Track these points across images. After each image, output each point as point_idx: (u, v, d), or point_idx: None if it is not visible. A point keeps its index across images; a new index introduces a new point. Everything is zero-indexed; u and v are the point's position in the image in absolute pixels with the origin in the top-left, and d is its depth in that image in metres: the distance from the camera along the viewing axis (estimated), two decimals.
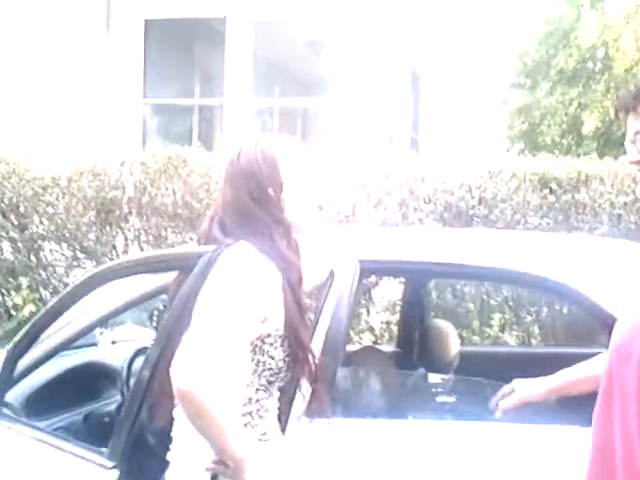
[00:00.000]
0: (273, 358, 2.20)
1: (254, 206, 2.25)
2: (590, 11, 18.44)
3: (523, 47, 19.38)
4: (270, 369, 2.20)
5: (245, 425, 2.17)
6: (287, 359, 2.22)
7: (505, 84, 17.75)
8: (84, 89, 9.47)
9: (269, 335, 2.18)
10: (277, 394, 2.30)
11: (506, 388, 2.71)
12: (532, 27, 19.63)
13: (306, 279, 2.34)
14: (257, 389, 2.21)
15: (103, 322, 3.71)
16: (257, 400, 2.22)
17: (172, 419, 2.28)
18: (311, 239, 2.44)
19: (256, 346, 2.17)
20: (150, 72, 9.83)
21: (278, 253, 2.21)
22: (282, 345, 2.20)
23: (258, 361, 2.18)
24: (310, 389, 2.39)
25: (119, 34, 9.61)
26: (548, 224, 5.71)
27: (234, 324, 2.06)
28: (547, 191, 5.88)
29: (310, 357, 2.27)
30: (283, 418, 2.41)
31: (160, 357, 2.50)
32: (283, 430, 2.40)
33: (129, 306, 3.51)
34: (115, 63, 9.56)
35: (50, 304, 3.35)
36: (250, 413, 2.20)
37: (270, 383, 2.23)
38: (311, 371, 2.29)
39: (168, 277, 3.07)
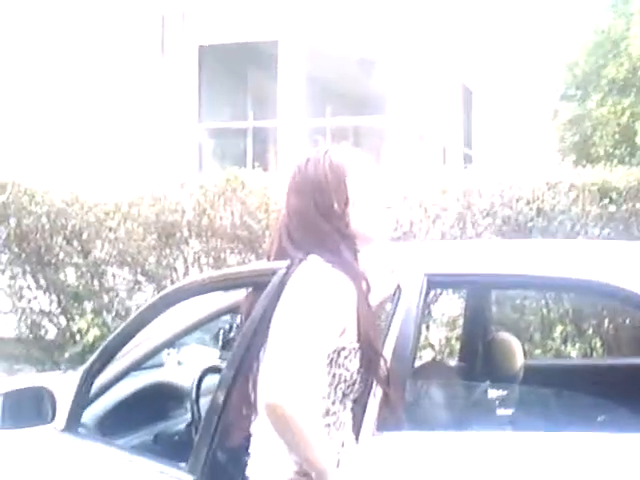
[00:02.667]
0: (348, 370, 2.22)
1: (319, 218, 2.25)
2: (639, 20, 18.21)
3: (572, 58, 19.19)
4: (345, 381, 2.23)
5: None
6: (361, 370, 2.24)
7: (555, 96, 17.60)
8: (141, 115, 9.63)
9: (344, 348, 2.21)
10: (350, 405, 2.32)
11: None
12: (581, 38, 19.44)
13: (373, 293, 2.35)
14: (333, 401, 2.23)
15: (171, 343, 3.78)
16: (334, 412, 2.24)
17: (249, 435, 2.31)
18: (377, 253, 2.46)
19: (332, 359, 2.19)
20: (205, 96, 9.97)
21: (347, 265, 2.22)
22: (356, 357, 2.23)
23: (334, 374, 2.21)
24: (383, 397, 2.41)
25: (174, 60, 9.77)
26: (609, 234, 5.67)
27: (315, 338, 2.09)
28: (607, 201, 5.83)
29: (383, 365, 2.29)
30: (356, 429, 2.44)
31: (236, 376, 2.53)
32: (356, 441, 2.42)
33: (196, 327, 3.58)
34: (170, 88, 9.71)
35: (123, 325, 3.42)
36: (328, 425, 2.22)
37: (345, 395, 2.25)
38: (385, 378, 2.31)
39: (230, 297, 3.13)
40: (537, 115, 14.45)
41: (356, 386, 2.26)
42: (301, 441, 2.05)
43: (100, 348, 3.38)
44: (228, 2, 9.61)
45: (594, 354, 5.85)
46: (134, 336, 3.29)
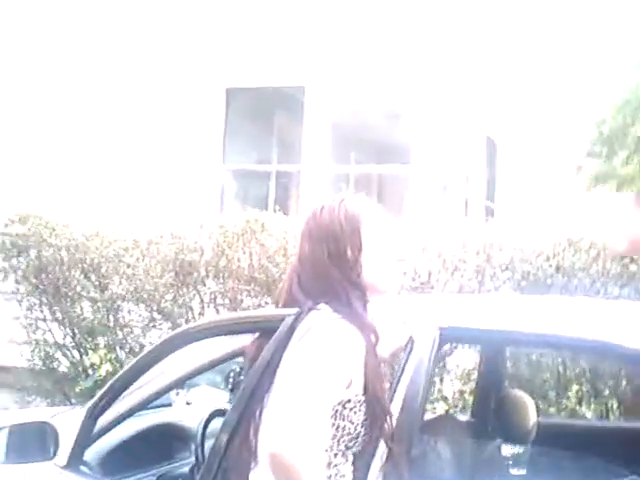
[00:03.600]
0: (352, 423, 2.19)
1: (330, 266, 2.25)
2: None
3: (600, 116, 19.22)
4: (349, 434, 2.20)
5: None
6: (365, 423, 2.21)
7: (580, 152, 17.59)
8: (166, 153, 9.71)
9: (350, 400, 2.18)
10: (352, 459, 2.29)
11: None
12: (609, 95, 19.47)
13: (385, 344, 2.33)
14: (335, 454, 2.21)
15: (180, 384, 3.75)
16: (335, 465, 2.21)
17: None
18: (391, 304, 2.44)
19: (337, 411, 2.17)
20: (230, 138, 10.05)
21: (356, 316, 2.20)
22: (361, 410, 2.20)
23: (338, 426, 2.18)
24: (387, 452, 2.37)
25: (201, 100, 9.86)
26: (629, 294, 5.60)
27: (321, 390, 2.07)
28: (627, 260, 5.77)
29: (389, 419, 2.26)
30: None
31: (239, 420, 2.50)
32: None
33: (205, 369, 3.55)
34: (197, 128, 9.79)
35: (130, 363, 3.40)
36: (329, 477, 2.19)
37: (348, 448, 2.23)
38: (390, 433, 2.27)
39: (243, 340, 3.11)
40: (561, 171, 14.43)
41: (359, 439, 2.23)
42: None
43: (106, 386, 3.36)
44: (256, 46, 9.71)
45: (610, 416, 5.76)
46: (142, 375, 3.27)
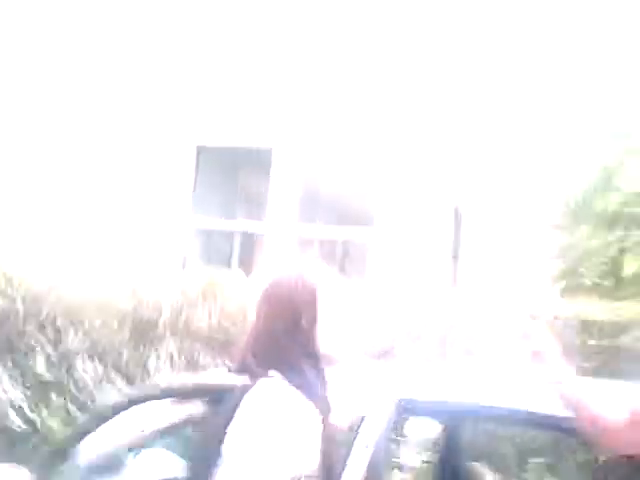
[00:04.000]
0: None
1: (285, 336, 2.24)
2: (633, 158, 18.52)
3: (565, 188, 19.47)
4: None
5: None
6: None
7: (546, 225, 17.76)
8: (131, 206, 9.63)
9: (302, 476, 2.10)
10: None
11: None
12: (574, 168, 19.74)
13: (342, 414, 2.27)
14: None
15: (133, 446, 3.62)
16: None
17: None
18: (348, 373, 2.39)
19: None
20: (198, 195, 10.02)
21: (308, 386, 2.15)
22: None
23: None
24: None
25: (171, 157, 9.85)
26: (590, 368, 5.57)
27: (269, 466, 1.99)
28: (586, 335, 5.78)
29: None
30: None
31: None
32: None
33: (158, 433, 3.44)
34: (165, 183, 9.76)
35: (79, 423, 3.29)
36: None
37: None
38: None
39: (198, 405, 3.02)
40: (526, 242, 14.53)
41: None
42: None
43: (52, 449, 3.24)
44: (227, 105, 9.74)
45: None
46: (88, 435, 3.15)
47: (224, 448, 2.11)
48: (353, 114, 9.43)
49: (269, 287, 2.34)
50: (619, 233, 18.34)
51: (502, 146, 11.79)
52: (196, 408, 3.15)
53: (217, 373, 2.58)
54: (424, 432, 5.66)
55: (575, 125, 17.04)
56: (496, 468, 5.28)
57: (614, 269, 18.79)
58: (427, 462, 5.77)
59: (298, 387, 2.14)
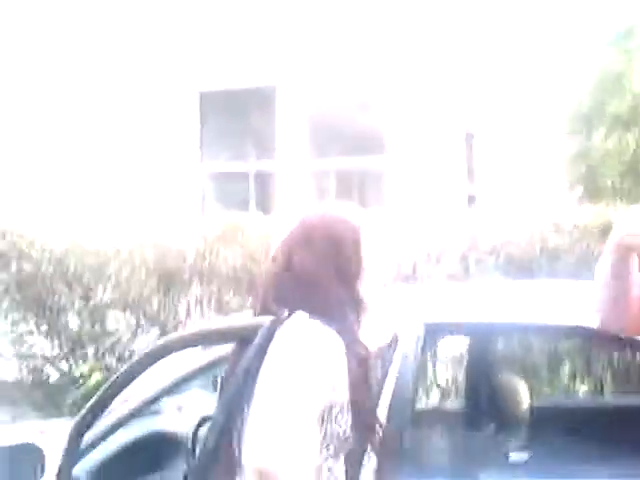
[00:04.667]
0: (340, 426, 2.16)
1: (336, 281, 2.20)
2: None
3: (576, 94, 19.29)
4: (338, 437, 2.17)
5: None
6: (354, 425, 2.18)
7: (560, 132, 17.65)
8: (143, 159, 9.63)
9: (335, 404, 2.15)
10: (342, 459, 2.24)
11: None
12: (583, 75, 19.53)
13: (370, 341, 2.30)
14: (326, 458, 2.17)
15: (168, 392, 3.70)
16: (328, 469, 2.17)
17: None
18: (374, 301, 2.41)
19: (323, 416, 2.14)
20: (206, 141, 10.00)
21: (347, 330, 2.17)
22: (348, 412, 2.17)
23: (326, 430, 2.15)
24: (377, 458, 2.34)
25: (175, 106, 9.81)
26: None
27: (303, 397, 2.04)
28: None
29: (376, 425, 2.24)
30: None
31: (222, 429, 2.47)
32: None
33: (192, 376, 3.52)
34: (172, 134, 9.74)
35: (116, 375, 3.36)
36: None
37: (338, 450, 2.19)
38: (376, 439, 2.25)
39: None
40: (541, 151, 14.44)
41: (349, 441, 2.20)
42: None
43: (93, 399, 3.31)
44: (226, 49, 9.65)
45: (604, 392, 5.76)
46: (126, 386, 3.22)
47: (257, 385, 2.15)
48: (360, 40, 9.32)
49: (310, 229, 2.24)
50: (635, 133, 18.22)
51: (508, 60, 11.66)
52: (227, 350, 3.23)
53: (244, 317, 2.61)
54: (454, 350, 5.74)
55: (578, 30, 16.78)
56: (527, 377, 5.35)
57: (633, 169, 18.73)
58: (459, 379, 5.87)
59: (334, 328, 2.15)
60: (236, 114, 10.23)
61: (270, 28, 9.46)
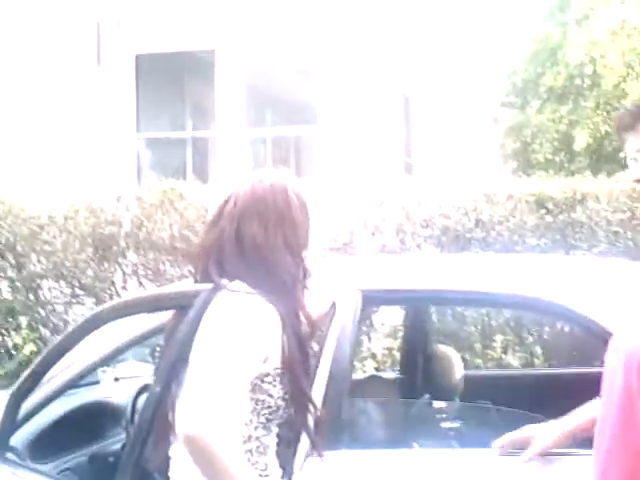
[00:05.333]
0: (272, 396, 2.19)
1: (286, 252, 2.21)
2: (576, 29, 18.53)
3: (511, 67, 19.48)
4: (269, 407, 2.20)
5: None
6: (286, 397, 2.21)
7: (495, 104, 17.83)
8: (77, 125, 9.50)
9: (268, 374, 2.17)
10: (276, 430, 2.28)
11: (516, 435, 2.55)
12: (519, 47, 19.72)
13: (311, 310, 2.33)
14: (256, 427, 2.20)
15: (105, 361, 3.69)
16: (257, 437, 2.21)
17: (168, 458, 2.27)
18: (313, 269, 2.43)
19: (255, 385, 2.16)
20: (142, 106, 9.88)
21: (290, 302, 2.19)
22: (281, 383, 2.19)
23: (257, 400, 2.18)
24: (311, 430, 2.36)
25: (111, 69, 9.67)
26: (546, 244, 5.72)
27: (235, 366, 2.06)
28: (544, 211, 5.89)
29: (308, 398, 2.26)
30: (290, 455, 2.41)
31: (158, 397, 2.49)
32: (290, 466, 2.39)
33: (130, 345, 3.51)
34: (107, 98, 9.60)
35: (52, 345, 3.34)
36: (250, 450, 2.19)
37: (269, 420, 2.22)
38: (308, 407, 2.27)
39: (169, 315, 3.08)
40: (477, 123, 14.60)
41: (280, 411, 2.23)
42: (222, 473, 2.00)
43: (29, 368, 3.29)
44: (165, 11, 9.54)
45: (535, 363, 5.90)
46: (63, 356, 3.20)
47: (191, 353, 2.16)
48: (295, 5, 9.29)
49: (260, 200, 2.24)
50: (569, 107, 18.48)
51: (447, 28, 11.72)
52: (163, 319, 3.23)
53: (181, 284, 2.61)
54: (389, 321, 5.82)
55: (514, 3, 16.93)
56: (461, 348, 5.45)
57: (566, 143, 19.01)
58: (394, 349, 5.96)
59: (273, 298, 2.16)
60: (173, 79, 10.13)
61: None
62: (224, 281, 2.19)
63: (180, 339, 2.33)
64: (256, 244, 2.21)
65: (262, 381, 2.16)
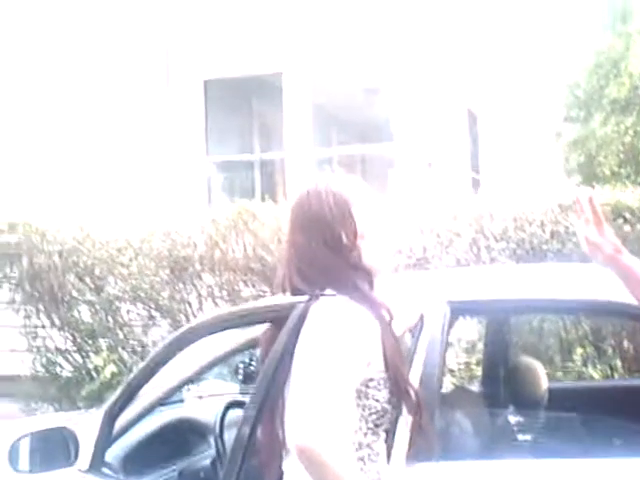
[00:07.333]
0: (378, 401, 2.18)
1: (330, 253, 2.21)
2: (639, 39, 18.29)
3: (573, 79, 19.28)
4: (377, 412, 2.19)
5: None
6: (392, 400, 2.22)
7: (558, 118, 17.67)
8: (148, 151, 9.67)
9: (372, 379, 2.18)
10: (384, 436, 2.27)
11: None
12: (581, 59, 19.53)
13: (397, 322, 2.33)
14: (365, 433, 2.19)
15: (194, 378, 3.75)
16: (367, 445, 2.20)
17: (282, 473, 2.28)
18: (398, 282, 2.44)
19: (361, 391, 2.16)
20: (211, 130, 10.02)
21: (365, 298, 2.20)
22: (385, 387, 2.20)
23: (364, 406, 2.18)
24: (415, 428, 2.37)
25: (180, 94, 9.83)
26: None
27: (340, 374, 2.06)
28: (621, 221, 5.80)
29: (413, 393, 2.26)
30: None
31: (259, 413, 2.51)
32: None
33: (216, 362, 3.56)
34: (177, 123, 9.76)
35: (143, 363, 3.40)
36: (362, 459, 2.18)
37: (377, 426, 2.21)
38: (416, 407, 2.28)
39: (248, 333, 3.12)
40: (541, 137, 14.49)
41: (387, 416, 2.23)
42: None
43: (121, 386, 3.36)
44: (231, 35, 9.67)
45: (615, 375, 5.81)
46: (155, 374, 3.27)
47: (293, 364, 2.17)
48: (360, 26, 9.33)
49: (299, 208, 2.27)
50: (633, 118, 18.20)
51: (510, 43, 11.68)
52: (244, 338, 3.27)
53: (276, 298, 2.63)
54: (470, 333, 5.78)
55: (576, 14, 16.77)
56: (542, 360, 5.38)
57: (632, 155, 18.72)
58: (471, 363, 5.92)
59: (356, 299, 2.18)
60: (241, 102, 10.25)
61: (276, 14, 9.46)
62: (316, 291, 2.22)
63: (278, 353, 2.36)
64: (303, 251, 2.24)
65: (367, 386, 2.17)
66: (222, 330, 3.10)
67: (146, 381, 3.29)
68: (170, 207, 8.32)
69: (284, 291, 2.37)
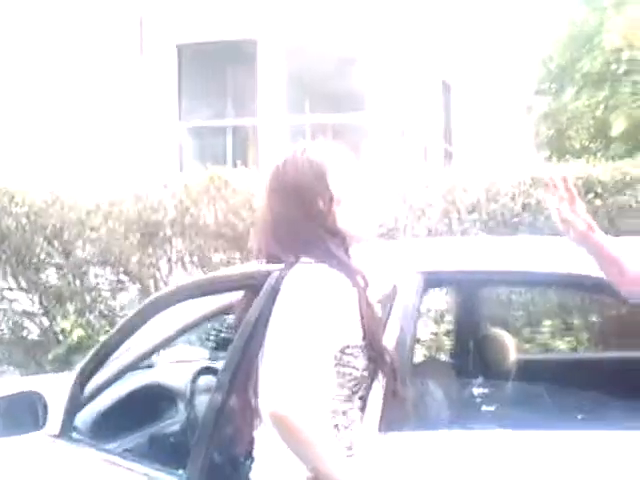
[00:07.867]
0: (354, 367, 2.18)
1: (306, 219, 2.20)
2: (613, 14, 18.30)
3: (547, 53, 19.29)
4: (353, 379, 2.20)
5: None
6: (368, 367, 2.21)
7: (530, 91, 17.70)
8: (120, 114, 9.57)
9: (348, 346, 2.17)
10: (359, 403, 2.26)
11: None
12: (555, 32, 19.52)
13: (371, 291, 2.32)
14: (340, 401, 2.19)
15: (165, 344, 3.74)
16: (343, 412, 2.20)
17: (253, 440, 2.28)
18: (370, 251, 2.43)
19: (337, 358, 2.15)
20: (184, 95, 9.93)
21: (341, 264, 2.19)
22: (362, 353, 2.19)
23: (340, 373, 2.17)
24: (391, 395, 2.37)
25: (153, 59, 9.72)
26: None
27: (316, 341, 2.05)
28: (592, 195, 5.84)
29: (389, 358, 2.26)
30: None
31: (234, 378, 2.50)
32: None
33: (189, 328, 3.55)
34: (150, 87, 9.66)
35: (115, 329, 3.38)
36: (336, 426, 2.18)
37: (353, 393, 2.22)
38: (391, 372, 2.28)
39: (223, 298, 3.10)
40: (514, 110, 14.51)
41: (364, 383, 2.23)
42: (312, 451, 2.02)
43: (92, 351, 3.34)
44: (206, 1, 9.57)
45: (581, 348, 5.88)
46: (126, 339, 3.25)
47: (268, 331, 2.17)
48: None
49: (275, 175, 2.26)
50: (605, 93, 18.26)
51: (484, 15, 11.66)
52: (215, 304, 3.25)
53: (251, 265, 2.61)
54: (440, 304, 5.82)
55: None
56: (510, 332, 5.43)
57: (602, 130, 18.80)
58: (443, 333, 5.96)
59: (332, 265, 2.17)
60: (215, 68, 10.16)
61: None
62: (291, 258, 2.20)
63: (253, 320, 2.35)
64: (279, 218, 2.23)
65: (343, 353, 2.16)
66: (197, 297, 3.09)
67: (117, 347, 3.27)
68: (141, 172, 8.24)
69: (259, 258, 2.37)
